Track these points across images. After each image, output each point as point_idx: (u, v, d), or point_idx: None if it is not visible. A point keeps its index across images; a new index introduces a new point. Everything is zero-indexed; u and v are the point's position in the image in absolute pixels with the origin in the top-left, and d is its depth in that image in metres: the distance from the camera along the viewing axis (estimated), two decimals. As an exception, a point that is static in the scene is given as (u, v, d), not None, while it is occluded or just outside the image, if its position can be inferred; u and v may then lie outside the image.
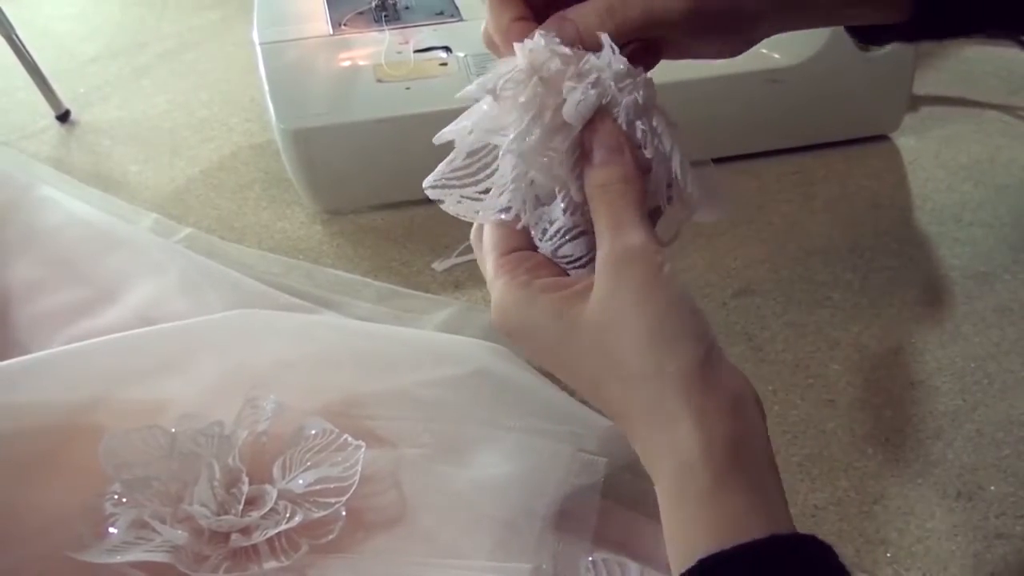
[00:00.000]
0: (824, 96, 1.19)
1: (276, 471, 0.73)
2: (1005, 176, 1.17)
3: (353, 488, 0.72)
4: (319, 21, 1.23)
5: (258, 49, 1.17)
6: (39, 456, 0.74)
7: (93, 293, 0.99)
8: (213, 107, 1.42)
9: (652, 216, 0.54)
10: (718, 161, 1.19)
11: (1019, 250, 1.04)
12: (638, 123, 0.52)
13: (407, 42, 1.17)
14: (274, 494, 0.71)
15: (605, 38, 0.51)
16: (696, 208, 0.56)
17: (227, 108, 1.41)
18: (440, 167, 0.56)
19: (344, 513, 0.71)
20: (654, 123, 0.54)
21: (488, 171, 0.55)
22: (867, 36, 0.62)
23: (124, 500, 0.70)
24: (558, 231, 0.53)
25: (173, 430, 0.74)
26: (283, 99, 1.10)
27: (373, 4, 1.24)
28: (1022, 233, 1.06)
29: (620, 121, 0.52)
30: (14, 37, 1.37)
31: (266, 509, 0.70)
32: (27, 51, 1.38)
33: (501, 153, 0.53)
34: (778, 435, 0.84)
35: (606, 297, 0.47)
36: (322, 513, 0.71)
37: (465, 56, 1.14)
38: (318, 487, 0.72)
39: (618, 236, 0.48)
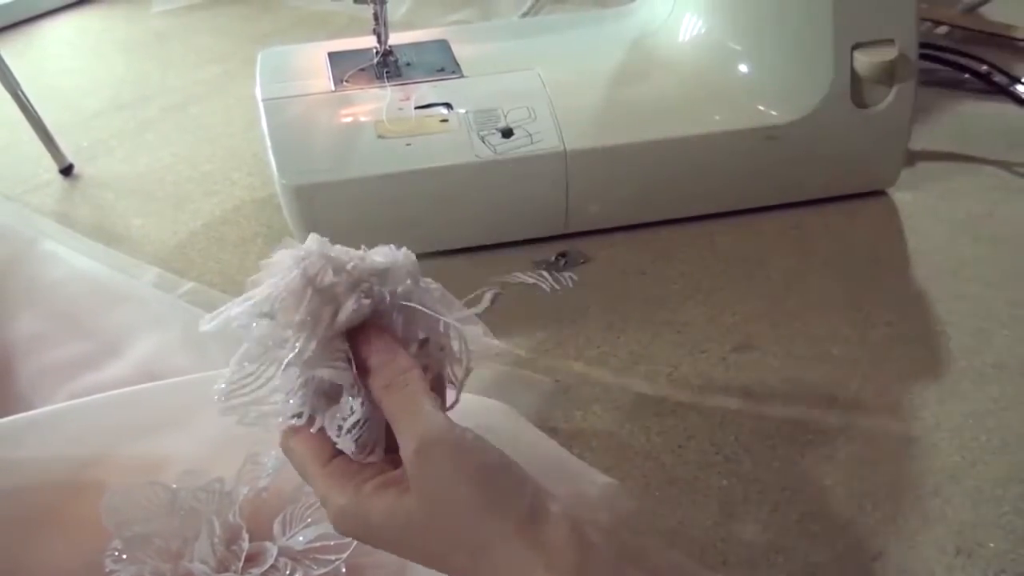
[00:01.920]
0: (822, 152, 1.20)
1: (277, 528, 0.73)
2: (1003, 231, 1.17)
3: (353, 545, 0.72)
4: (321, 78, 1.24)
5: (260, 105, 1.18)
6: (41, 512, 0.75)
7: (96, 347, 0.99)
8: (216, 161, 1.43)
9: (437, 383, 0.57)
10: (716, 217, 1.21)
11: (1017, 306, 1.04)
12: (404, 307, 0.57)
13: (408, 98, 1.18)
14: (274, 551, 0.71)
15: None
16: (471, 362, 0.60)
17: (230, 162, 1.42)
18: (227, 378, 0.58)
19: (344, 570, 0.71)
20: (421, 300, 0.58)
21: (277, 374, 0.57)
22: None
23: (125, 557, 0.70)
24: (355, 424, 0.56)
25: (174, 486, 0.75)
26: (285, 155, 1.11)
27: (375, 61, 1.25)
28: (1020, 289, 1.07)
29: (390, 312, 0.57)
30: (19, 92, 1.39)
31: (266, 566, 0.71)
32: (31, 105, 1.40)
33: (283, 366, 0.55)
34: (777, 491, 0.84)
35: (425, 488, 0.50)
36: (322, 570, 0.71)
37: (466, 112, 1.15)
38: (318, 544, 0.72)
39: (412, 426, 0.51)
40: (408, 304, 0.58)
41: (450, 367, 0.60)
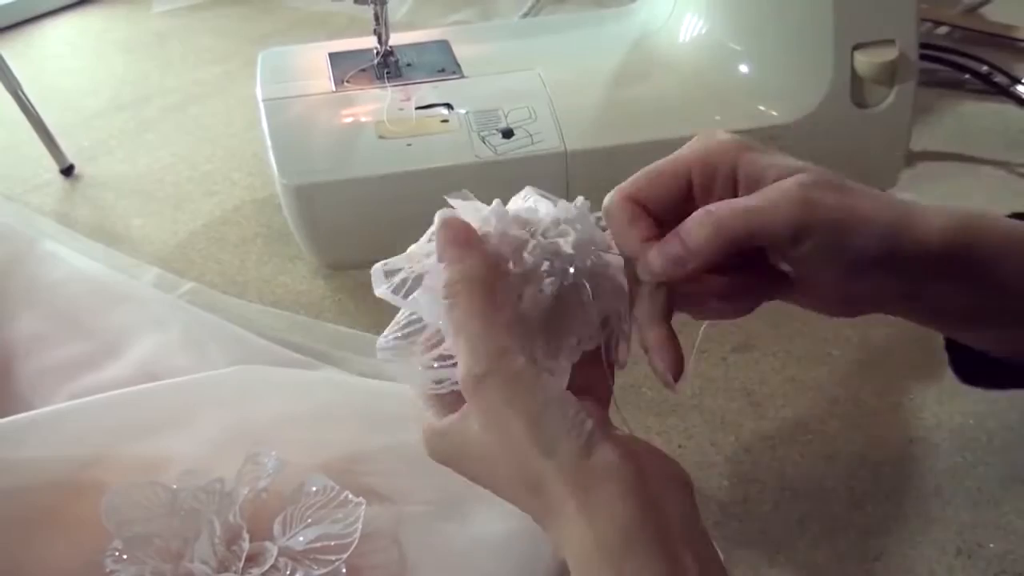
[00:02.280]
0: (822, 152, 1.18)
1: (277, 528, 0.73)
2: (1003, 232, 1.17)
3: (353, 545, 0.72)
4: (322, 78, 1.24)
5: (261, 105, 1.18)
6: (42, 512, 0.75)
7: (96, 348, 0.99)
8: (216, 161, 1.43)
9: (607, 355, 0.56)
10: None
11: (1017, 306, 1.04)
12: (547, 261, 0.54)
13: (409, 99, 1.18)
14: (274, 551, 0.71)
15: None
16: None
17: (230, 163, 1.42)
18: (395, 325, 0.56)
19: (344, 571, 0.71)
20: (604, 272, 0.55)
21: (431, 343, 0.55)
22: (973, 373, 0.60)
23: (125, 557, 0.70)
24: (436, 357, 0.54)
25: (175, 487, 0.75)
26: (285, 155, 1.11)
27: (375, 61, 1.25)
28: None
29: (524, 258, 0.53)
30: (20, 93, 1.39)
31: (266, 566, 0.71)
32: (32, 106, 1.40)
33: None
34: (777, 491, 0.84)
35: (480, 419, 0.49)
36: (322, 571, 0.71)
37: (467, 113, 1.15)
38: (318, 544, 0.72)
39: (465, 351, 0.49)
40: (593, 277, 0.56)
41: (616, 344, 0.58)
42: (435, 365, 0.53)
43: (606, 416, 0.51)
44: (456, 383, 0.51)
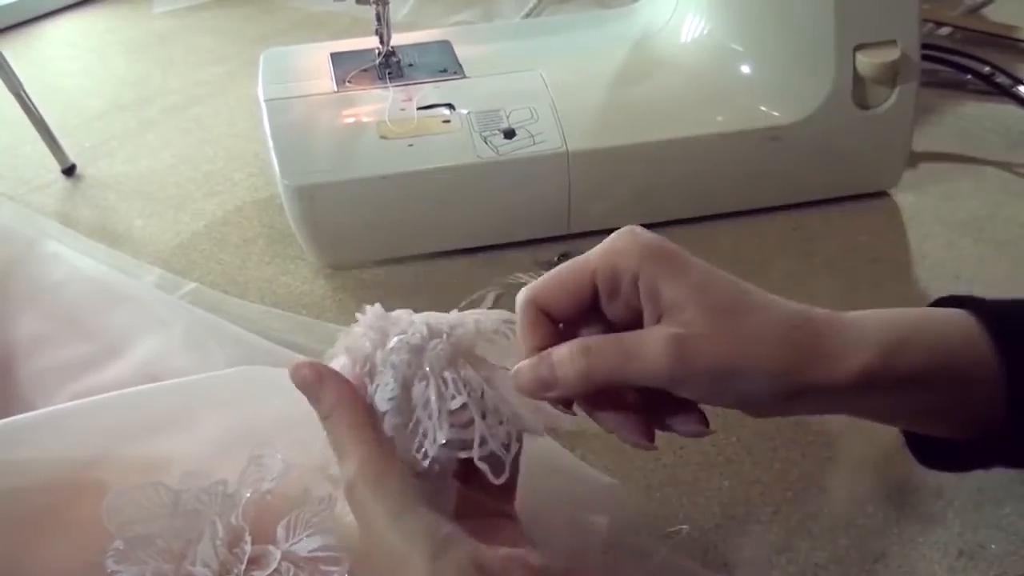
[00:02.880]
0: (823, 153, 1.20)
1: (280, 532, 0.73)
2: (1004, 232, 1.17)
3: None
4: (323, 78, 1.24)
5: (263, 106, 1.19)
6: (42, 513, 0.75)
7: (97, 348, 0.99)
8: (218, 162, 1.43)
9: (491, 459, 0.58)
10: (718, 218, 1.20)
11: (1018, 307, 1.04)
12: (446, 374, 0.59)
13: (410, 99, 1.18)
14: (277, 555, 0.71)
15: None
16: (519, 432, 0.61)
17: (232, 163, 1.42)
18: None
19: (347, 576, 0.71)
20: (461, 374, 0.59)
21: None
22: (938, 459, 0.59)
23: (127, 558, 0.70)
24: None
25: (177, 488, 0.75)
26: (287, 155, 1.11)
27: (377, 62, 1.25)
28: (1021, 290, 1.07)
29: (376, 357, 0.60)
30: (21, 93, 1.39)
31: (269, 570, 0.70)
32: (34, 106, 1.40)
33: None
34: (778, 492, 0.84)
35: (358, 519, 0.55)
36: (325, 576, 0.71)
37: (468, 113, 1.15)
38: (323, 553, 0.72)
39: (341, 465, 0.56)
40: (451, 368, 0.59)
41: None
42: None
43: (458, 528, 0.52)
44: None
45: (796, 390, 0.50)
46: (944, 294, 0.56)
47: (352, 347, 0.60)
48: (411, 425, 0.59)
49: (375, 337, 0.59)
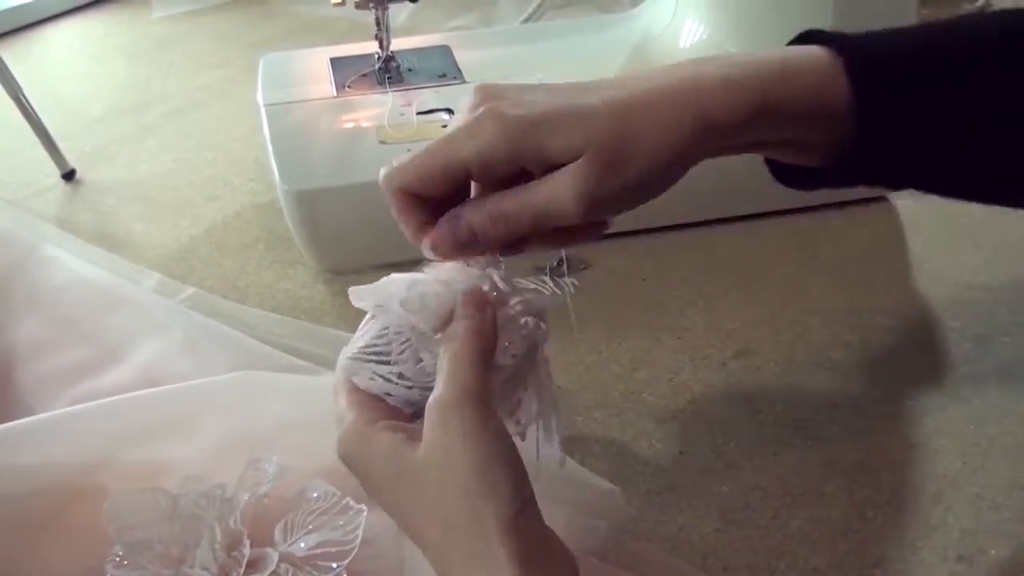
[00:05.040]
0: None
1: (278, 534, 0.73)
2: (1004, 238, 1.17)
3: (354, 552, 0.72)
4: (323, 83, 1.25)
5: (262, 110, 1.19)
6: (42, 518, 0.75)
7: (97, 353, 0.99)
8: (217, 166, 1.43)
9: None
10: (717, 223, 1.20)
11: (1018, 312, 1.04)
12: (525, 319, 0.57)
13: (410, 104, 1.18)
14: (275, 557, 0.71)
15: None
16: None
17: (231, 167, 1.42)
18: (355, 341, 0.59)
19: (345, 576, 0.71)
20: (539, 327, 0.59)
21: (402, 356, 0.57)
22: (789, 178, 0.65)
23: (126, 562, 0.70)
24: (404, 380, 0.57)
25: (175, 492, 0.75)
26: (287, 160, 1.12)
27: (377, 66, 1.26)
28: (1021, 295, 1.07)
29: (506, 311, 0.57)
30: (21, 97, 1.39)
31: (267, 572, 0.70)
32: (34, 111, 1.40)
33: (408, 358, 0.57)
34: (778, 498, 0.84)
35: (432, 442, 0.50)
36: (323, 577, 0.71)
37: (467, 118, 1.15)
38: (319, 551, 0.72)
39: (451, 380, 0.51)
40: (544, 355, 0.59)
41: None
42: (394, 379, 0.56)
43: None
44: (403, 404, 0.55)
45: (699, 153, 0.58)
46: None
47: (489, 283, 0.58)
48: (516, 392, 0.58)
49: (505, 289, 0.58)
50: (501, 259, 0.59)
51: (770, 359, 1.00)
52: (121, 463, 0.79)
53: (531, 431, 0.60)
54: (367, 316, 0.60)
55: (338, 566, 0.71)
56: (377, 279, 0.58)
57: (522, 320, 0.57)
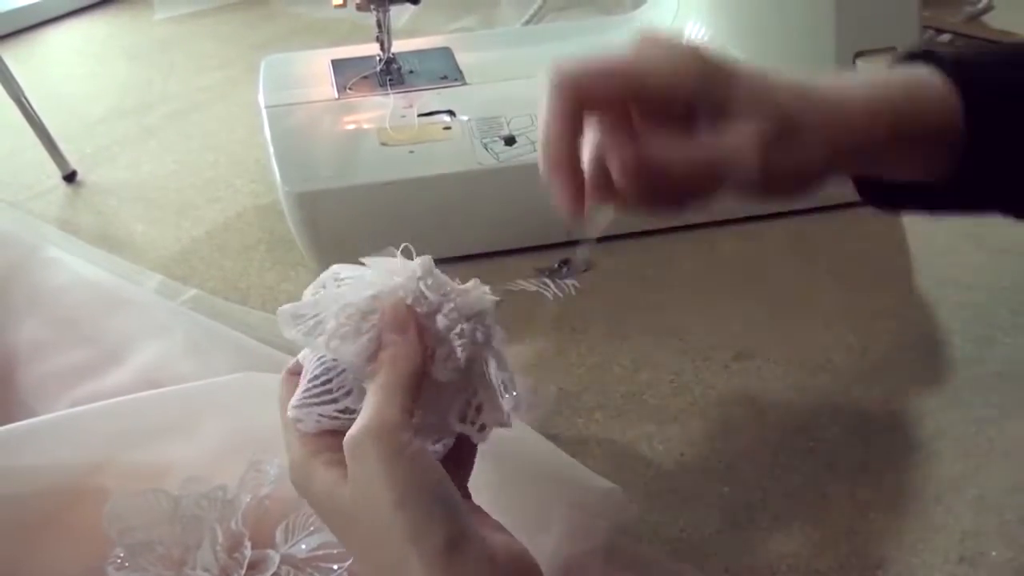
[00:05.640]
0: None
1: (279, 535, 0.73)
2: (1005, 240, 1.17)
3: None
4: (324, 85, 1.25)
5: (264, 112, 1.19)
6: (42, 519, 0.75)
7: (98, 354, 0.99)
8: (219, 168, 1.43)
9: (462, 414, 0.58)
10: (719, 224, 1.20)
11: (1020, 314, 1.04)
12: (461, 326, 0.56)
13: (411, 106, 1.19)
14: (276, 559, 0.71)
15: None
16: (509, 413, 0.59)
17: (233, 169, 1.42)
18: (300, 388, 0.59)
19: (346, 578, 0.71)
20: (477, 331, 0.57)
21: (344, 390, 0.57)
22: (888, 198, 0.64)
23: (127, 564, 0.70)
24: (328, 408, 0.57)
25: (177, 494, 0.75)
26: (288, 162, 1.12)
27: (378, 68, 1.26)
28: (1022, 297, 1.07)
29: (438, 321, 0.56)
30: (22, 99, 1.39)
31: (268, 574, 0.70)
32: (35, 112, 1.40)
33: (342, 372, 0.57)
34: (779, 499, 0.84)
35: (354, 476, 0.49)
36: (324, 578, 0.71)
37: (469, 120, 1.15)
38: (321, 552, 0.72)
39: (371, 410, 0.50)
40: (497, 352, 0.58)
41: (489, 420, 0.60)
42: (341, 416, 0.56)
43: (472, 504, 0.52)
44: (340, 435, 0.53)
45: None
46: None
47: (414, 296, 0.57)
48: (468, 397, 0.58)
49: (435, 299, 0.57)
50: (433, 260, 0.58)
51: (771, 361, 1.00)
52: (122, 464, 0.79)
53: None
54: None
55: (339, 568, 0.71)
56: None
57: (458, 328, 0.56)
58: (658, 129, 0.53)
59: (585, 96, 0.52)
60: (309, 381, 0.58)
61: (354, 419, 0.53)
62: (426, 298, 0.57)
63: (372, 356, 0.54)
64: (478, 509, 0.57)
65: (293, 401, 0.58)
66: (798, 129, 0.52)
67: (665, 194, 0.54)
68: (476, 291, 0.58)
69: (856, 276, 1.12)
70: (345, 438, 0.50)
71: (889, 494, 0.85)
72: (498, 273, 1.14)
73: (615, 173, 0.52)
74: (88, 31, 2.05)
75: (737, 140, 0.51)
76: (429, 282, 0.57)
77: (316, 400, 0.57)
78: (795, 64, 1.17)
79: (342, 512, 0.51)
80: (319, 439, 0.56)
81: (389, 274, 0.58)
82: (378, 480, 0.48)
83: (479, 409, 0.59)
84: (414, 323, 0.55)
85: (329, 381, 0.57)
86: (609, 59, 0.52)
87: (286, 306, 0.59)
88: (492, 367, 0.57)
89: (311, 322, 0.58)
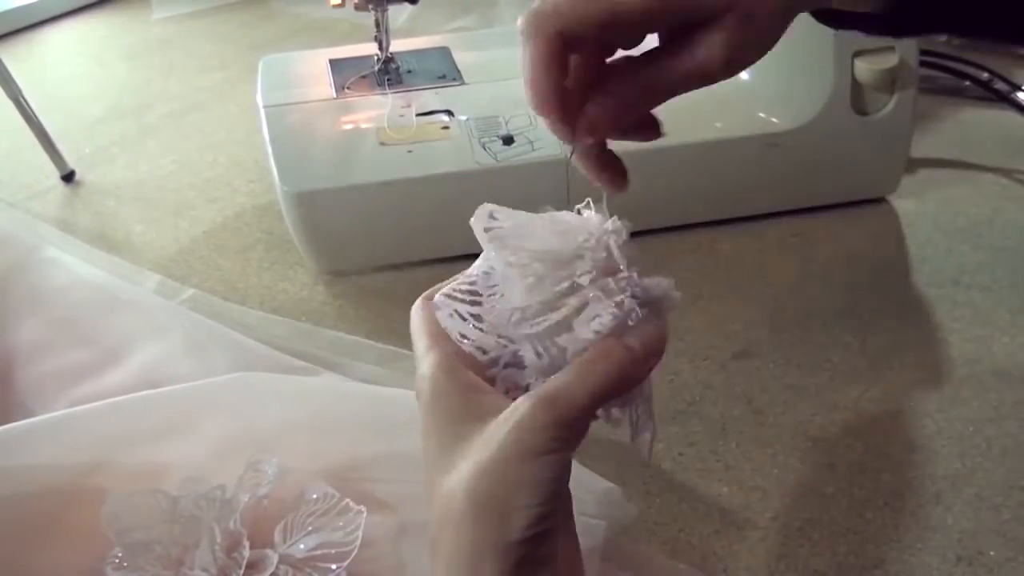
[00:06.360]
0: (822, 159, 1.20)
1: (277, 535, 0.73)
2: (1003, 238, 1.17)
3: (354, 553, 0.72)
4: (323, 85, 1.25)
5: (262, 112, 1.19)
6: (42, 519, 0.75)
7: (97, 354, 0.99)
8: (217, 168, 1.43)
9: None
10: (718, 224, 1.20)
11: (1017, 313, 1.04)
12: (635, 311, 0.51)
13: (409, 105, 1.18)
14: (275, 559, 0.71)
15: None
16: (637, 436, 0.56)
17: (231, 169, 1.42)
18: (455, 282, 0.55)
19: (345, 578, 0.71)
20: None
21: (492, 300, 0.53)
22: (839, 20, 0.62)
23: (126, 564, 0.70)
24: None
25: (175, 494, 0.75)
26: (287, 162, 1.11)
27: (376, 68, 1.26)
28: (1020, 296, 1.07)
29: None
30: (21, 99, 1.39)
31: (267, 574, 0.70)
32: (33, 112, 1.40)
33: (515, 318, 0.51)
34: (778, 499, 0.84)
35: (490, 436, 0.46)
36: (323, 578, 0.71)
37: (467, 120, 1.15)
38: (319, 552, 0.72)
39: (557, 391, 0.46)
40: None
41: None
42: (499, 339, 0.51)
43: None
44: (476, 350, 0.50)
45: None
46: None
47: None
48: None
49: (619, 259, 0.51)
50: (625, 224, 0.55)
51: (770, 360, 1.00)
52: (121, 464, 0.79)
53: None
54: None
55: (338, 567, 0.71)
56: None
57: (618, 298, 0.52)
58: (632, 59, 0.52)
59: (562, 40, 0.52)
60: (466, 275, 0.55)
61: (480, 339, 0.51)
62: (614, 256, 0.51)
63: (554, 307, 0.51)
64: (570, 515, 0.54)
65: (444, 289, 0.56)
66: (759, 3, 0.51)
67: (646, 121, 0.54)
68: (665, 281, 0.54)
69: (854, 276, 1.12)
70: (531, 393, 0.46)
71: (887, 494, 0.85)
72: (497, 273, 1.13)
73: (598, 113, 0.52)
74: (86, 31, 2.05)
75: (702, 47, 0.50)
76: (623, 239, 0.54)
77: (461, 296, 0.55)
78: (795, 64, 1.17)
79: (454, 442, 0.48)
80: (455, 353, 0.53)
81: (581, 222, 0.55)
82: (510, 467, 0.45)
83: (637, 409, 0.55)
84: (652, 360, 0.50)
85: (481, 288, 0.54)
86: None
87: (489, 205, 0.56)
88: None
89: (504, 231, 0.55)
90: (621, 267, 0.51)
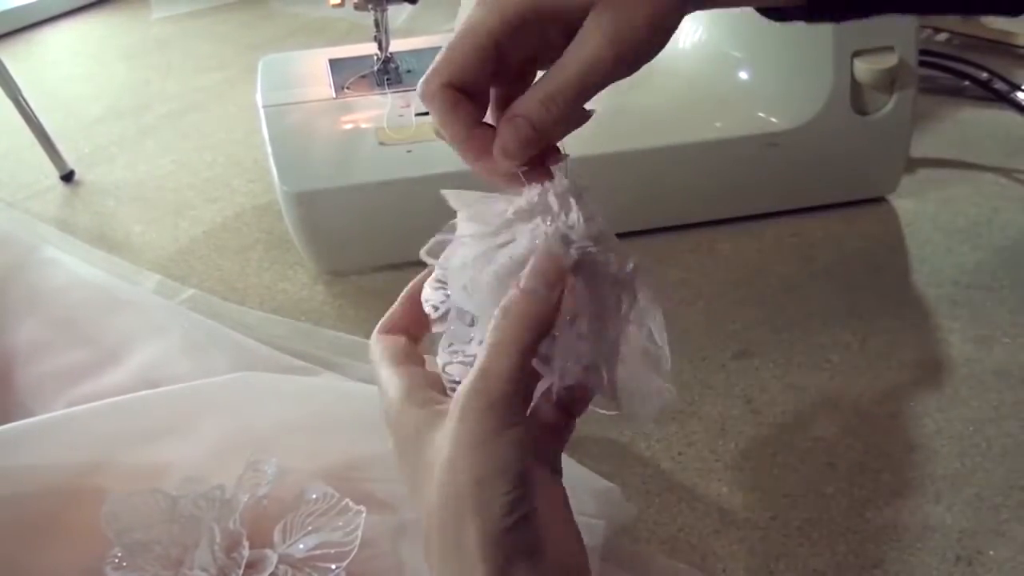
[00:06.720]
0: (822, 159, 1.20)
1: (277, 535, 0.73)
2: (1003, 238, 1.17)
3: (353, 553, 0.72)
4: (322, 84, 1.25)
5: (261, 112, 1.19)
6: (41, 519, 0.75)
7: (96, 355, 0.99)
8: (217, 168, 1.43)
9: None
10: (717, 223, 1.20)
11: (1017, 313, 1.04)
12: (623, 296, 0.52)
13: (409, 105, 1.18)
14: (274, 559, 0.71)
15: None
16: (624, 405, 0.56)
17: (231, 169, 1.42)
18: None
19: (344, 578, 0.71)
20: (639, 298, 0.53)
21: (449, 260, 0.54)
22: (775, 13, 0.63)
23: (125, 564, 0.70)
24: (456, 352, 0.53)
25: (175, 494, 0.75)
26: (286, 162, 1.11)
27: (376, 68, 1.26)
28: (1020, 296, 1.07)
29: (602, 283, 0.52)
30: (20, 98, 1.39)
31: (266, 574, 0.70)
32: (32, 112, 1.40)
33: (455, 264, 0.52)
34: (778, 498, 0.84)
35: (448, 434, 0.47)
36: (322, 578, 0.71)
37: (466, 119, 1.15)
38: (318, 552, 0.72)
39: (485, 373, 0.47)
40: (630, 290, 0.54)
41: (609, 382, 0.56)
42: (453, 360, 0.52)
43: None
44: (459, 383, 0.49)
45: None
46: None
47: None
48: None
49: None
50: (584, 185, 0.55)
51: (769, 360, 1.00)
52: (120, 464, 0.79)
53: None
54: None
55: (337, 567, 0.71)
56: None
57: (542, 230, 0.52)
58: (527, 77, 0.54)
59: (453, 90, 0.52)
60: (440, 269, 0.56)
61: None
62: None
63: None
64: (559, 485, 0.54)
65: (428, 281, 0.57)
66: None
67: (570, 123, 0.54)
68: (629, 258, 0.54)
69: (854, 275, 1.12)
70: (459, 388, 0.47)
71: (887, 493, 0.85)
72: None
73: (521, 128, 0.53)
74: (86, 31, 2.05)
75: (582, 43, 0.49)
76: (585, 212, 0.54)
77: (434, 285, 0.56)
78: (794, 64, 1.17)
79: (423, 454, 0.48)
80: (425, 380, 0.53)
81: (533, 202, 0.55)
82: (471, 452, 0.46)
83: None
84: (562, 280, 0.50)
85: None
86: (453, 44, 0.51)
87: (451, 191, 0.57)
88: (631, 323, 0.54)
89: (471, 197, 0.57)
90: (555, 209, 0.53)
